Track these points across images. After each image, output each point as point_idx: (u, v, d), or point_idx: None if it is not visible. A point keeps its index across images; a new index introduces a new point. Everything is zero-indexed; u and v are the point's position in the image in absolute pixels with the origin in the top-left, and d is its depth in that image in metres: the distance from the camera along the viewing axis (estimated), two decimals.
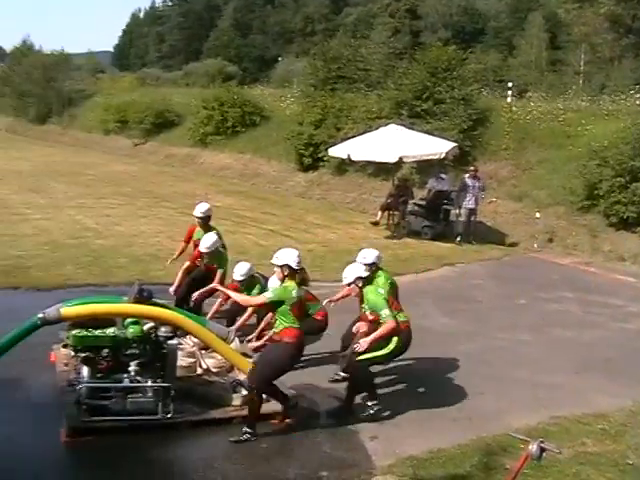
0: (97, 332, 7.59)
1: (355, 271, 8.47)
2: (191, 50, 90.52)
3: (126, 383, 7.60)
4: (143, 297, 7.84)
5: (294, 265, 7.70)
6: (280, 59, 60.76)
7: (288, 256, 7.71)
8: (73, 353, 7.79)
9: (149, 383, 7.64)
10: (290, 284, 7.66)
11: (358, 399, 8.42)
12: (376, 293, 8.32)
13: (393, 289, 9.21)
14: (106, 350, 7.64)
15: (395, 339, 8.13)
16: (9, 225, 17.83)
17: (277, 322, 7.73)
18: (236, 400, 8.10)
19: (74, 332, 7.58)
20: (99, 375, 7.65)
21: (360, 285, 8.38)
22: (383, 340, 8.06)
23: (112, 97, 47.47)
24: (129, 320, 7.75)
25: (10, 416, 7.62)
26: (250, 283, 9.75)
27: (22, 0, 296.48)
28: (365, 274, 8.45)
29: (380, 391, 8.76)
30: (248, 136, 32.97)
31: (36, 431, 7.48)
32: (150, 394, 7.64)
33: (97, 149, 41.94)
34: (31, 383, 8.56)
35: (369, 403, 8.24)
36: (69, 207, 20.78)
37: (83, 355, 7.61)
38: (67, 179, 27.26)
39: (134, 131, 41.15)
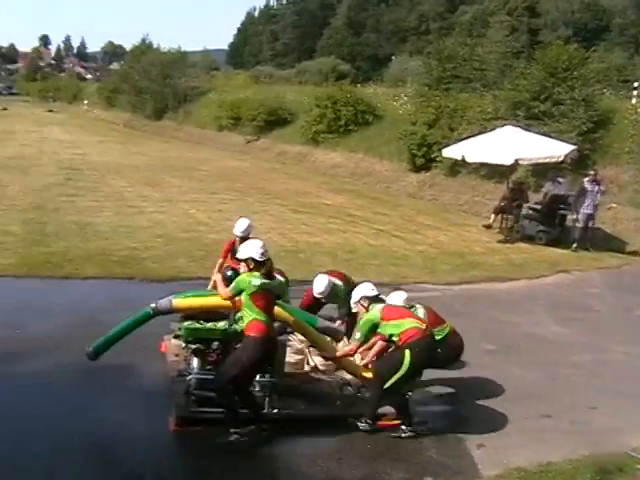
0: (208, 325, 7.72)
1: (362, 290, 8.11)
2: (304, 48, 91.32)
3: None
4: None
5: (257, 257, 7.24)
6: (393, 58, 60.38)
7: (251, 248, 7.34)
8: (184, 344, 7.93)
9: (257, 377, 7.66)
10: (251, 273, 7.25)
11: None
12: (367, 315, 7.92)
13: None
14: (216, 343, 7.75)
15: (407, 352, 7.39)
16: (125, 217, 18.34)
17: (243, 316, 7.34)
18: (343, 398, 8.04)
19: (186, 324, 7.73)
20: (209, 367, 7.75)
21: (366, 305, 7.93)
22: (389, 359, 7.67)
23: (226, 94, 48.27)
24: (240, 314, 7.78)
25: (122, 402, 7.82)
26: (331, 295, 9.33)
27: (142, 1, 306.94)
28: (373, 293, 8.03)
29: (489, 398, 8.54)
30: (360, 135, 32.87)
31: (146, 418, 7.63)
32: (257, 388, 7.70)
33: (210, 145, 42.80)
34: (142, 371, 8.77)
35: (403, 427, 7.69)
36: (183, 201, 21.22)
37: (194, 347, 7.74)
38: (181, 174, 27.89)
39: (247, 128, 41.71)
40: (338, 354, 8.08)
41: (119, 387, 8.20)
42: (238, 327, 7.65)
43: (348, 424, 7.74)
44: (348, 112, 33.38)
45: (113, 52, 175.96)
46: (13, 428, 7.24)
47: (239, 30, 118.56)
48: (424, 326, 7.74)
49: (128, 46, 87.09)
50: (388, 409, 7.93)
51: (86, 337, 8.79)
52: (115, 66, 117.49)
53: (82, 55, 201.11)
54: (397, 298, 8.33)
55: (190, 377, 7.64)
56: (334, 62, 63.63)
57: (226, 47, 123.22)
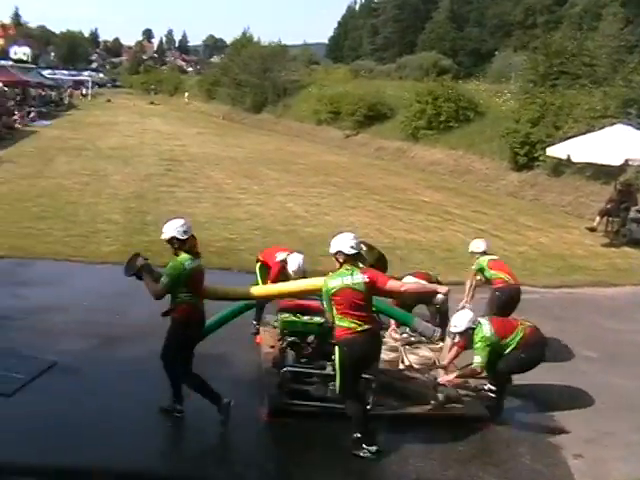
0: (305, 318, 7.70)
1: (340, 243, 6.96)
2: (405, 43, 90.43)
3: (329, 371, 7.56)
4: None
5: (179, 236, 6.95)
6: (497, 53, 59.15)
7: (171, 228, 7.01)
8: (280, 336, 7.92)
9: None
10: (182, 256, 6.96)
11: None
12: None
13: None
14: (312, 337, 7.74)
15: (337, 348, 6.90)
16: (223, 209, 18.62)
17: (175, 298, 7.08)
18: (439, 398, 7.89)
19: (282, 316, 7.73)
20: (303, 360, 7.76)
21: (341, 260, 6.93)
22: None
23: (325, 88, 48.51)
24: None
25: (216, 390, 7.84)
26: None
27: None
28: (351, 252, 6.88)
29: (587, 407, 8.25)
30: (461, 132, 32.45)
31: (239, 407, 7.57)
32: None
33: (309, 139, 43.02)
34: (236, 361, 8.83)
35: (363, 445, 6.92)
36: (280, 194, 21.36)
37: (289, 339, 7.77)
38: (279, 167, 28.10)
39: (346, 122, 41.74)
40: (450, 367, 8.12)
41: (213, 376, 8.15)
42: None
43: (439, 424, 7.62)
44: (449, 108, 33.03)
45: (214, 45, 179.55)
46: (110, 412, 7.39)
47: (339, 24, 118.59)
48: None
49: (229, 39, 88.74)
50: (481, 411, 7.80)
51: None
52: (216, 59, 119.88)
53: (183, 48, 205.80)
54: (464, 319, 7.86)
55: (284, 369, 7.63)
56: (435, 57, 62.91)
57: (326, 41, 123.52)
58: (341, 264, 6.83)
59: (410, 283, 8.13)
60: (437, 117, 33.40)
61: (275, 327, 8.19)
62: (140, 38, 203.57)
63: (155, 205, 18.44)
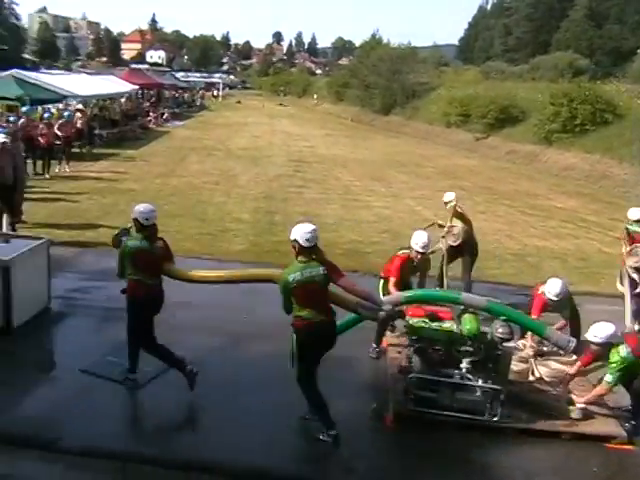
0: (434, 325, 7.53)
1: (298, 232, 6.87)
2: (539, 42, 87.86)
3: (456, 379, 7.44)
4: None
5: (142, 221, 7.59)
6: (639, 51, 56.52)
7: (136, 212, 7.60)
8: (407, 342, 7.79)
9: (479, 383, 7.40)
10: (136, 235, 7.65)
11: None
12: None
13: None
14: (440, 343, 7.56)
15: (294, 336, 6.96)
16: (351, 210, 18.63)
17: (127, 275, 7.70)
18: (571, 414, 7.55)
19: (412, 321, 7.58)
20: (430, 367, 7.58)
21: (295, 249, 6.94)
22: None
23: (455, 90, 47.94)
24: (466, 316, 7.54)
25: (340, 392, 7.79)
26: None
27: None
28: (307, 244, 6.82)
29: None
30: (598, 135, 31.29)
31: (363, 411, 7.64)
32: (479, 394, 7.40)
33: (437, 141, 42.58)
34: (362, 365, 8.75)
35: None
36: (409, 197, 21.16)
37: (417, 345, 7.63)
38: (407, 169, 27.90)
39: (476, 125, 41.12)
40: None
41: (338, 377, 8.20)
42: (464, 329, 7.41)
43: (571, 442, 7.32)
44: (585, 111, 31.93)
45: (343, 47, 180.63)
46: (235, 408, 7.53)
47: (470, 24, 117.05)
48: None
49: (358, 41, 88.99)
50: (617, 431, 7.39)
51: None
52: (344, 61, 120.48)
53: (312, 51, 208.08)
54: (606, 332, 7.51)
55: (411, 375, 7.50)
56: (571, 57, 60.76)
57: (456, 42, 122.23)
58: (297, 254, 6.89)
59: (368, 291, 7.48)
60: (572, 120, 32.35)
61: (403, 332, 8.05)
62: (270, 41, 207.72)
63: (283, 205, 18.66)
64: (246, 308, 10.52)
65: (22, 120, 21.85)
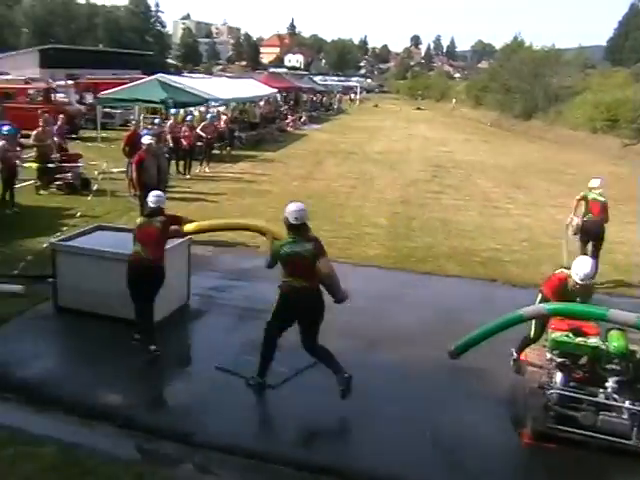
0: (578, 340, 7.22)
1: (288, 211, 7.66)
2: None
3: (600, 399, 7.10)
4: None
5: (151, 204, 8.70)
6: None
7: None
8: (549, 356, 7.51)
9: (626, 404, 7.01)
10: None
11: None
12: None
13: None
14: (584, 360, 7.26)
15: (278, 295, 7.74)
16: (490, 218, 18.25)
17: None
18: None
19: (554, 335, 7.31)
20: (573, 384, 7.30)
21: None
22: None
23: (602, 94, 46.11)
24: (614, 333, 7.19)
25: (475, 405, 7.73)
26: None
27: None
28: (295, 222, 7.60)
29: None
30: None
31: (498, 426, 7.48)
32: (626, 416, 7.01)
33: (581, 148, 41.09)
34: (498, 378, 8.49)
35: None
36: (550, 206, 20.45)
37: (559, 360, 7.36)
38: (549, 177, 27.03)
39: (625, 130, 39.43)
40: None
41: (473, 389, 8.10)
42: (611, 346, 7.07)
43: None
44: None
45: (482, 51, 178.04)
46: (367, 414, 7.53)
47: (620, 24, 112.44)
48: None
49: (498, 45, 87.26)
50: None
51: (444, 333, 8.93)
52: (484, 65, 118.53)
53: (451, 54, 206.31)
54: None
55: (551, 391, 7.22)
56: None
57: (604, 43, 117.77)
58: (287, 230, 7.63)
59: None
60: None
61: (544, 346, 7.76)
62: (408, 44, 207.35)
63: (421, 211, 18.51)
64: (382, 313, 10.52)
65: (170, 122, 22.75)
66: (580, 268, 7.78)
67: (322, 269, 7.52)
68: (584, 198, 12.99)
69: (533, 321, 8.00)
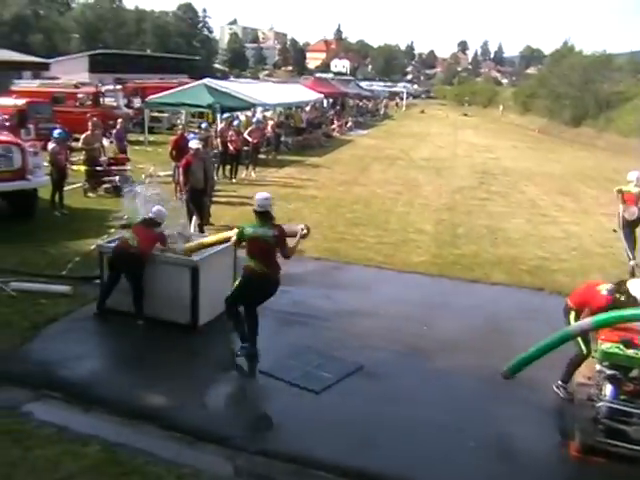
0: (630, 352, 7.04)
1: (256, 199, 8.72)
2: None
3: None
4: None
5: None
6: None
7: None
8: (598, 368, 7.36)
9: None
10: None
11: None
12: None
13: None
14: (636, 372, 7.09)
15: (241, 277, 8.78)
16: (537, 225, 18.06)
17: None
18: None
19: (604, 347, 7.16)
20: (623, 397, 7.16)
21: None
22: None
23: None
24: None
25: (522, 415, 7.67)
26: None
27: (562, 2, 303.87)
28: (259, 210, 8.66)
29: None
30: None
31: (545, 437, 7.38)
32: (636, 419, 6.91)
33: (634, 155, 40.36)
34: (548, 388, 8.31)
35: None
36: (599, 214, 20.10)
37: (609, 372, 7.20)
38: (598, 184, 26.63)
39: None
40: None
41: (521, 399, 8.00)
42: None
43: None
44: None
45: (530, 56, 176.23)
46: (410, 422, 7.48)
47: None
48: None
49: (547, 50, 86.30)
50: None
51: (490, 342, 8.95)
52: (532, 70, 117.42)
53: (498, 59, 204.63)
54: None
55: (601, 404, 7.08)
56: None
57: None
58: (255, 217, 8.62)
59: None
60: None
61: (594, 357, 7.61)
62: (455, 50, 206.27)
63: (467, 218, 18.37)
64: (426, 320, 10.45)
65: (221, 126, 22.93)
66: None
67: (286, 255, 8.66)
68: (620, 191, 14.60)
69: (578, 338, 7.84)
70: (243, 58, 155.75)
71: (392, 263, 13.47)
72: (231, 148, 22.07)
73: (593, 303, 7.92)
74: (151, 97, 27.57)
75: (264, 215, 8.55)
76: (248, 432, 7.15)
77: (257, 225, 8.52)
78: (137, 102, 36.41)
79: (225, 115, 24.02)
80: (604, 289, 7.98)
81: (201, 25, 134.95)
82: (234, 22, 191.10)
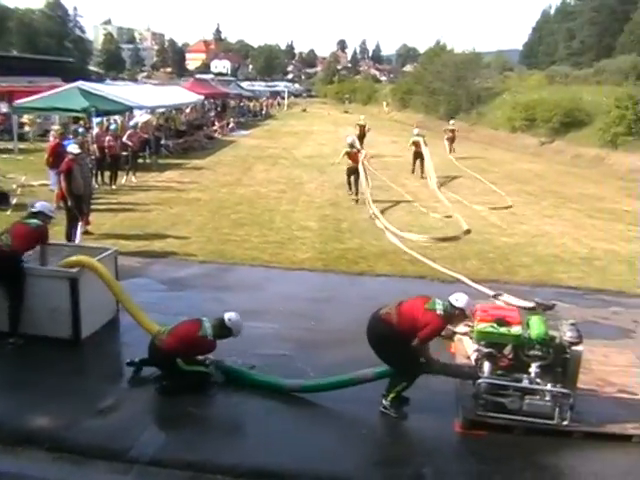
0: (502, 329, 7.52)
1: None
2: (603, 46, 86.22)
3: (525, 384, 7.46)
4: None
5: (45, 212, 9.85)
6: None
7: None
8: (476, 347, 7.82)
9: (548, 387, 7.41)
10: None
11: None
12: None
13: None
14: (509, 348, 7.57)
15: None
16: (418, 216, 18.74)
17: None
18: None
19: (479, 327, 7.60)
20: (499, 372, 7.63)
21: None
22: None
23: (520, 95, 47.48)
24: (534, 320, 7.56)
25: (409, 398, 7.85)
26: None
27: (436, 4, 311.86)
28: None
29: None
30: None
31: (432, 417, 7.70)
32: (548, 398, 7.40)
33: (502, 147, 42.09)
34: None
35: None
36: (475, 203, 20.97)
37: (486, 350, 7.63)
38: (472, 175, 27.62)
39: (541, 130, 40.64)
40: None
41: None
42: (532, 333, 7.42)
43: (636, 444, 7.31)
44: None
45: (407, 54, 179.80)
46: (305, 414, 7.79)
47: (534, 29, 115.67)
48: None
49: (422, 48, 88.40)
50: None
51: None
52: (408, 68, 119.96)
53: (377, 58, 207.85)
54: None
55: (480, 381, 7.51)
56: (636, 60, 59.34)
57: (520, 47, 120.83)
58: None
59: None
60: (638, 122, 31.78)
61: (471, 338, 8.08)
62: (334, 49, 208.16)
63: (350, 213, 18.79)
64: (314, 316, 10.67)
65: (96, 130, 22.41)
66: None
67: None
68: None
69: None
70: (119, 59, 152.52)
71: (278, 261, 13.66)
72: (109, 153, 21.56)
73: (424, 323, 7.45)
74: (19, 101, 26.53)
75: (35, 214, 9.64)
76: (140, 443, 6.96)
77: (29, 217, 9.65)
78: (3, 107, 34.09)
79: (98, 120, 23.39)
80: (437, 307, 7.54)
81: (72, 24, 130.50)
82: (108, 22, 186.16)
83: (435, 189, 22.69)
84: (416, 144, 26.57)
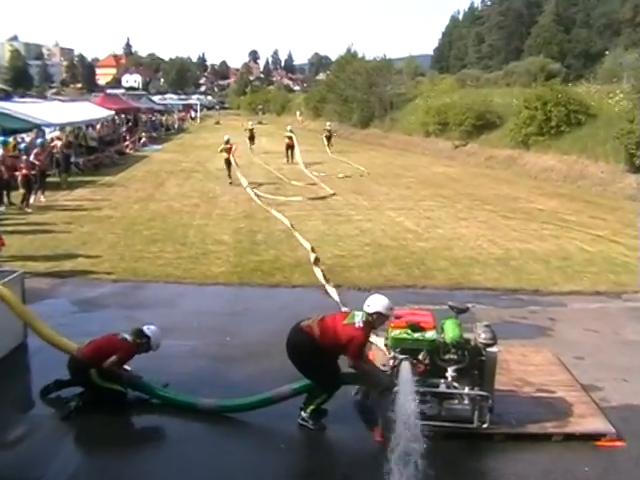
0: (416, 335, 7.41)
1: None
2: (511, 49, 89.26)
3: (442, 388, 7.40)
4: None
5: None
6: (607, 53, 56.97)
7: None
8: (392, 354, 7.69)
9: (466, 390, 7.37)
10: None
11: None
12: None
13: None
14: (424, 353, 7.46)
15: None
16: (333, 225, 18.64)
17: None
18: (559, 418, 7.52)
19: (393, 334, 7.49)
20: (416, 378, 7.46)
21: None
22: None
23: (432, 100, 48.21)
24: (448, 324, 7.49)
25: (329, 409, 7.73)
26: None
27: (346, 12, 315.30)
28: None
29: None
30: (573, 136, 31.57)
31: (353, 427, 7.66)
32: (467, 402, 7.37)
33: (417, 151, 42.69)
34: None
35: None
36: (390, 209, 21.11)
37: (401, 357, 7.48)
38: (388, 181, 27.92)
39: (454, 133, 41.33)
40: None
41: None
42: (447, 337, 7.35)
43: (558, 443, 7.38)
44: (559, 113, 32.23)
45: (319, 63, 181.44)
46: (223, 431, 7.59)
47: (444, 34, 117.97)
48: None
49: (334, 56, 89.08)
50: (606, 428, 7.45)
51: None
52: (321, 76, 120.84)
53: (289, 67, 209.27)
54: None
55: (395, 389, 7.32)
56: (543, 61, 61.20)
57: (431, 52, 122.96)
58: None
59: None
60: (547, 122, 32.63)
61: (386, 345, 7.97)
62: (247, 59, 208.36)
63: (265, 224, 18.60)
64: (229, 330, 10.48)
65: (1, 151, 21.60)
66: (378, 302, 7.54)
67: None
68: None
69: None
70: (27, 76, 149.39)
71: (192, 276, 13.38)
72: (22, 173, 20.86)
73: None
74: None
75: None
76: (51, 472, 6.70)
77: None
78: None
79: (1, 139, 22.61)
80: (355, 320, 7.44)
81: None
82: (14, 38, 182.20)
83: (302, 168, 30.42)
84: (289, 138, 35.28)
